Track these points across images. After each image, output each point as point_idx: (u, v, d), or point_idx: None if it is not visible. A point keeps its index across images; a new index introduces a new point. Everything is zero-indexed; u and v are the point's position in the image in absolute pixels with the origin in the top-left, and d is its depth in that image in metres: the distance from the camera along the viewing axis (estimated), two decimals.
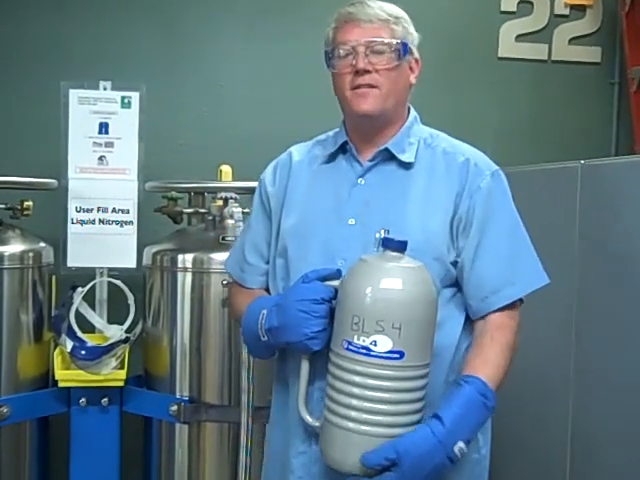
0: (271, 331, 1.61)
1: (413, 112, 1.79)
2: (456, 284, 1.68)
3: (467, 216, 1.66)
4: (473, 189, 1.67)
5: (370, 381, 1.45)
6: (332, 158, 1.78)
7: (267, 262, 1.84)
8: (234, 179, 2.84)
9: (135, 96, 2.79)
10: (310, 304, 1.54)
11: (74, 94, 2.77)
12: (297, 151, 1.86)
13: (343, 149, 1.77)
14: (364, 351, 1.45)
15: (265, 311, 1.63)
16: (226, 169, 2.86)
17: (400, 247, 1.51)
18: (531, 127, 3.61)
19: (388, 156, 1.72)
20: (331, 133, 1.83)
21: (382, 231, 1.62)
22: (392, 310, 1.44)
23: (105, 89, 2.80)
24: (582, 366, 2.54)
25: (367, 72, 1.65)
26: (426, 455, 1.44)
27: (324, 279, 1.59)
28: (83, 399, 2.56)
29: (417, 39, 1.73)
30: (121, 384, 2.57)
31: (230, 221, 2.58)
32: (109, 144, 2.78)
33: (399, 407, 1.46)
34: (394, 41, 1.66)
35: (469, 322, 1.69)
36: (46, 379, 2.70)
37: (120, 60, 3.23)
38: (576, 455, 2.55)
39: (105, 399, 2.57)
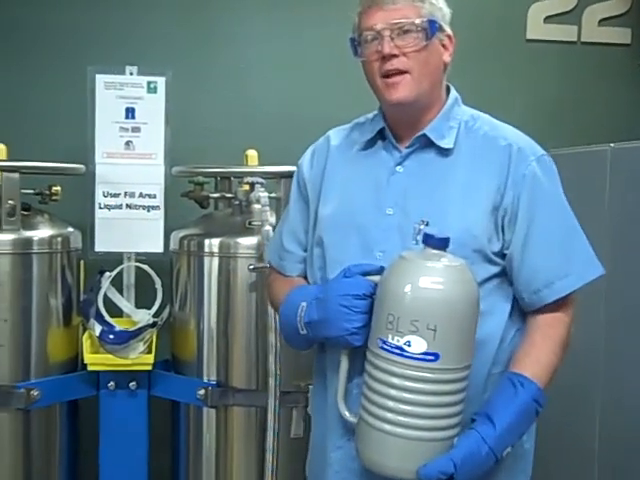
0: (311, 325, 1.58)
1: (453, 93, 1.71)
2: (500, 275, 1.61)
3: (512, 207, 1.58)
4: (517, 177, 1.59)
5: (405, 382, 1.41)
6: (370, 144, 1.72)
7: (305, 249, 1.80)
8: (260, 163, 2.83)
9: (161, 81, 2.79)
10: (352, 299, 1.50)
11: (100, 79, 2.77)
12: (335, 135, 1.81)
13: (381, 135, 1.71)
14: (398, 351, 1.40)
15: (305, 304, 1.59)
16: (252, 153, 2.85)
17: (441, 244, 1.44)
18: (560, 110, 3.57)
19: (427, 142, 1.64)
20: (370, 116, 1.77)
21: (421, 222, 1.54)
22: (427, 310, 1.39)
23: (131, 74, 2.79)
24: (612, 351, 2.52)
25: (395, 56, 1.57)
26: (480, 464, 1.43)
27: (366, 274, 1.54)
28: (112, 383, 2.57)
29: (448, 14, 1.65)
30: (149, 368, 2.58)
31: (256, 206, 2.58)
32: (135, 129, 2.78)
33: (437, 410, 1.42)
34: (419, 20, 1.57)
35: (515, 312, 1.63)
36: (75, 363, 2.73)
37: (146, 45, 3.23)
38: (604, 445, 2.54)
39: (133, 383, 2.58)
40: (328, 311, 1.54)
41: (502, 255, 1.61)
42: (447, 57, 1.66)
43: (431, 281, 1.40)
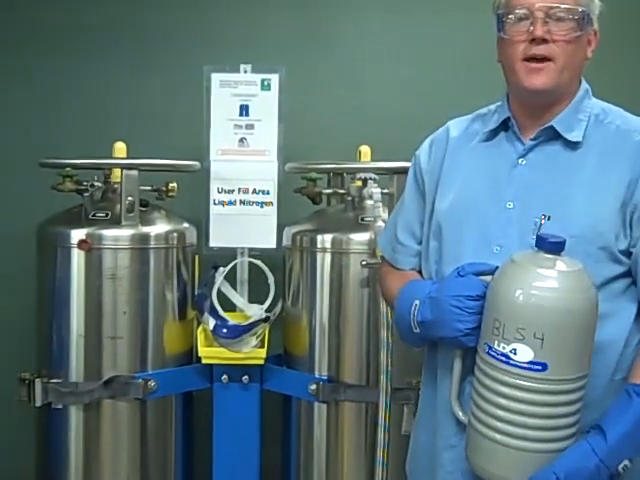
0: (424, 324, 1.55)
1: (584, 85, 1.65)
2: (626, 275, 1.53)
3: None
4: None
5: (513, 392, 1.37)
6: (492, 135, 1.67)
7: (419, 242, 1.77)
8: (373, 159, 2.82)
9: (274, 78, 2.82)
10: (464, 300, 1.47)
11: (216, 78, 2.82)
12: (455, 126, 1.77)
13: (505, 125, 1.66)
14: (503, 358, 1.37)
15: (417, 302, 1.57)
16: (365, 149, 2.84)
17: (554, 248, 1.38)
18: None
19: (553, 134, 1.59)
20: (493, 107, 1.72)
21: (542, 217, 1.51)
22: (534, 319, 1.34)
23: (246, 72, 2.84)
24: None
25: (544, 41, 1.51)
26: (589, 477, 1.36)
27: (480, 274, 1.50)
28: (225, 376, 2.61)
29: (598, 9, 1.58)
30: (261, 362, 2.61)
31: (369, 202, 2.56)
32: (249, 126, 2.82)
33: (548, 421, 1.37)
34: (579, 8, 1.51)
35: None
36: (190, 356, 2.78)
37: (260, 43, 3.26)
38: None
39: (246, 376, 2.62)
40: (441, 311, 1.51)
41: (629, 254, 1.53)
42: (589, 53, 1.61)
43: (539, 288, 1.35)
